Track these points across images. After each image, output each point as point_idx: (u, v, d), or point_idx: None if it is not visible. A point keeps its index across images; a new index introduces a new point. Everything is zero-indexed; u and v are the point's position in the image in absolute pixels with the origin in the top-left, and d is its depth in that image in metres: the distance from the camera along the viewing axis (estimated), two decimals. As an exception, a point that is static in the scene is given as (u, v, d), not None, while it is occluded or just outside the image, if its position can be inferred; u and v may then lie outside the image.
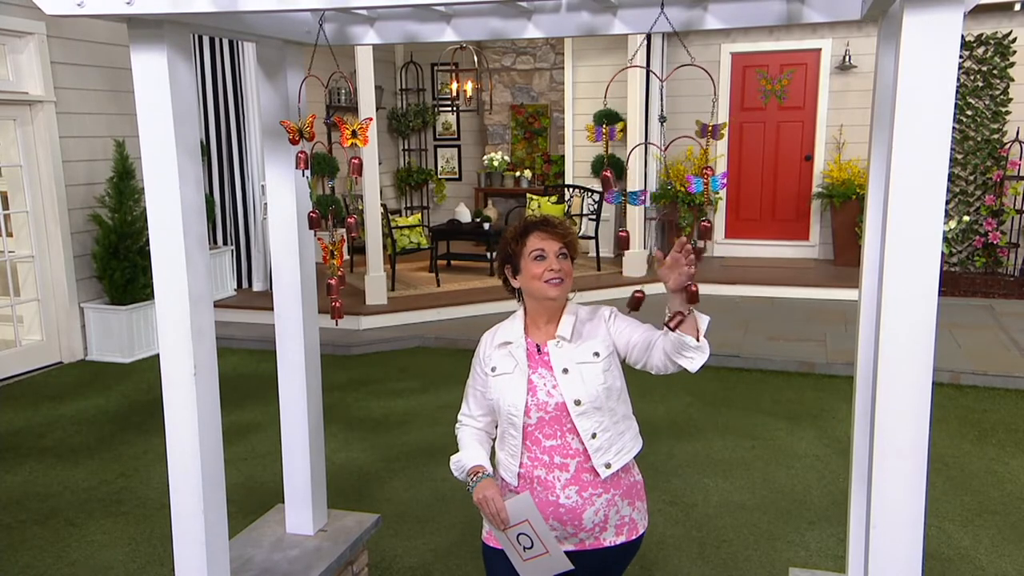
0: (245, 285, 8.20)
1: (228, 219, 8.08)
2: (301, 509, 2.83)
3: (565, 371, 2.03)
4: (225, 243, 8.11)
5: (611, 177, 1.97)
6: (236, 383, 5.89)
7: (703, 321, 1.95)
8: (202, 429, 2.25)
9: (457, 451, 2.17)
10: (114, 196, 6.46)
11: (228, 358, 6.50)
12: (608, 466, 2.03)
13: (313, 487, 2.81)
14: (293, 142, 2.13)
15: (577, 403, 2.00)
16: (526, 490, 2.05)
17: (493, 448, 2.20)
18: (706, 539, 3.63)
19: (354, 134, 2.03)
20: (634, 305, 2.01)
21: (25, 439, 4.95)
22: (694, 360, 1.94)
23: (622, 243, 2.18)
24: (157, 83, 2.10)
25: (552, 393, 2.03)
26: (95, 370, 6.35)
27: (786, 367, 6.04)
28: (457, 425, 2.25)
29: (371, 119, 2.15)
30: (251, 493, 4.14)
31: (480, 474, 2.06)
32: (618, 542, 2.09)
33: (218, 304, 7.47)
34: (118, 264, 6.43)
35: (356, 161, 2.10)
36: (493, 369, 2.11)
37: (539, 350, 2.09)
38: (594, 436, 2.02)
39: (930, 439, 1.76)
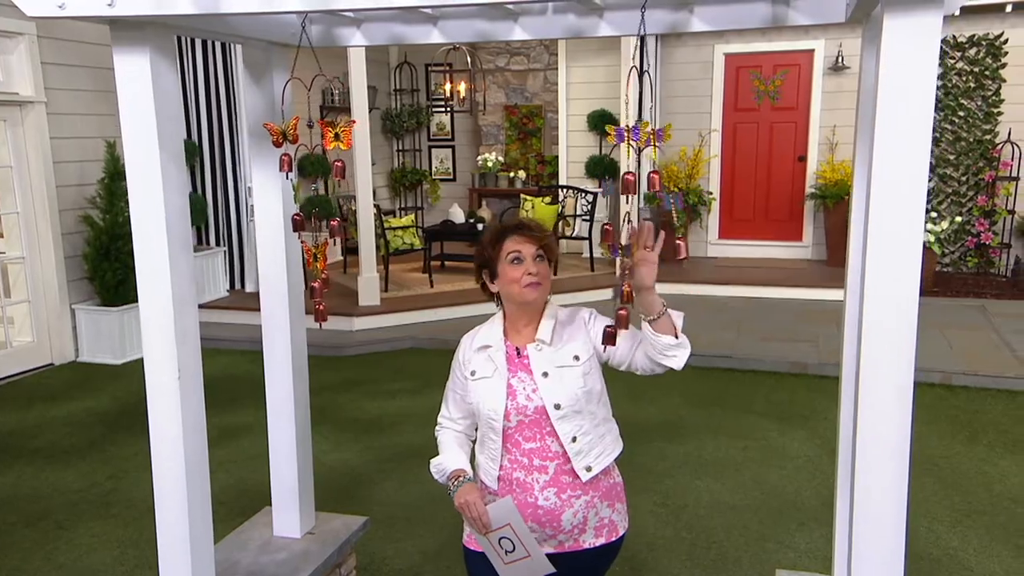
0: (237, 286, 8.18)
1: (220, 220, 8.07)
2: (288, 512, 2.82)
3: (545, 375, 2.02)
4: (218, 244, 8.09)
5: (659, 178, 1.80)
6: (227, 384, 5.87)
7: (678, 318, 1.94)
8: (186, 433, 2.24)
9: (438, 454, 2.16)
10: (105, 197, 6.45)
11: (220, 359, 6.48)
12: (589, 469, 2.02)
13: (300, 489, 2.81)
14: (276, 144, 2.12)
15: (557, 407, 2.00)
16: (506, 493, 2.05)
17: (473, 451, 2.19)
18: (696, 540, 3.63)
19: (337, 136, 2.02)
20: (626, 298, 1.81)
21: (15, 441, 4.93)
22: (677, 357, 1.93)
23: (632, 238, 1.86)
24: (140, 85, 2.10)
25: (532, 397, 2.02)
26: (86, 371, 6.33)
27: (778, 368, 6.04)
28: (437, 428, 2.24)
29: (355, 121, 2.15)
30: (241, 495, 4.13)
31: (461, 478, 2.06)
32: (598, 544, 2.08)
33: (210, 305, 7.47)
34: (109, 265, 6.41)
35: (339, 164, 2.09)
36: (473, 373, 2.10)
37: (519, 353, 2.08)
38: (574, 440, 2.01)
39: (914, 439, 1.76)
